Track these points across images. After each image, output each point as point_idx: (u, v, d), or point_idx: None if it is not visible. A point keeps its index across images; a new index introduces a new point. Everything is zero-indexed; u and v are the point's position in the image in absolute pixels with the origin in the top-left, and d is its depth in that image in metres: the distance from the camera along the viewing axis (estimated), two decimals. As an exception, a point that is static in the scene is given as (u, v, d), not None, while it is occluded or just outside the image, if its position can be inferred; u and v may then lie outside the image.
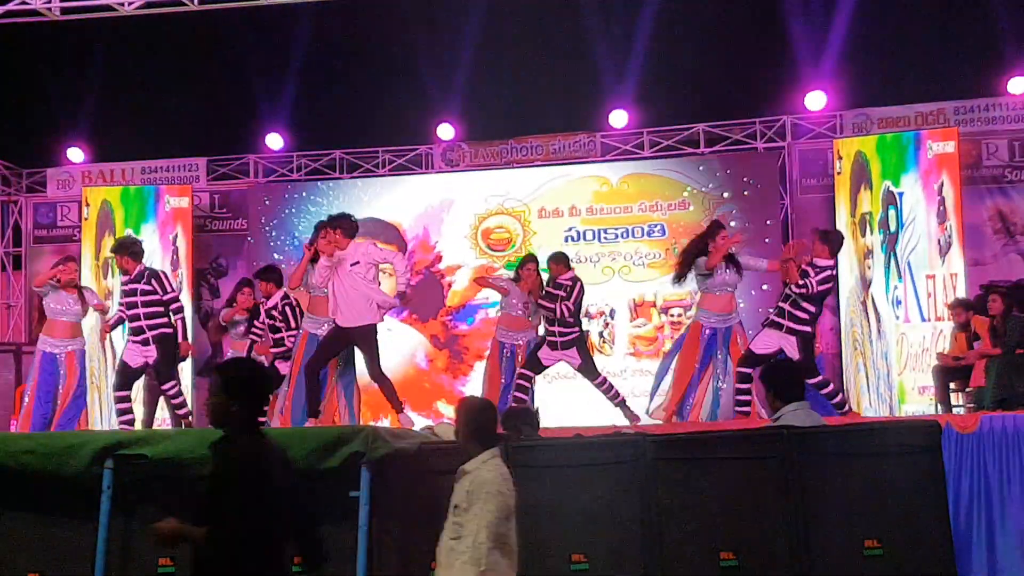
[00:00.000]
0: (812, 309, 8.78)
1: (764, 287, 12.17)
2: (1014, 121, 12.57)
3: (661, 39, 13.07)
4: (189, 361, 11.47)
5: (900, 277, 11.78)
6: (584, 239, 13.39)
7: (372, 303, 8.65)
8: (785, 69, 13.11)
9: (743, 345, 9.15)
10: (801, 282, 8.66)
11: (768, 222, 12.89)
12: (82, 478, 5.63)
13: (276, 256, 13.40)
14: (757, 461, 5.62)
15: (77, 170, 14.68)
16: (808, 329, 8.82)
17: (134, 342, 9.17)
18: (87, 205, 13.82)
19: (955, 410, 9.66)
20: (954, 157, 11.77)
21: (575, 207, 13.49)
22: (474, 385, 12.09)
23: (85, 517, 5.62)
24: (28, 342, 13.02)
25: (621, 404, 9.53)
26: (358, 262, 8.62)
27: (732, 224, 12.09)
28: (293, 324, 9.55)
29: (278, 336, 9.69)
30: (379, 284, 8.99)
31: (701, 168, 13.36)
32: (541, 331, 9.84)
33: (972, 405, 9.61)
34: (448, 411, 12.04)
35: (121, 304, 9.38)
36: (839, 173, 12.43)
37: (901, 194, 11.93)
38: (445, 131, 14.03)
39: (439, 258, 13.75)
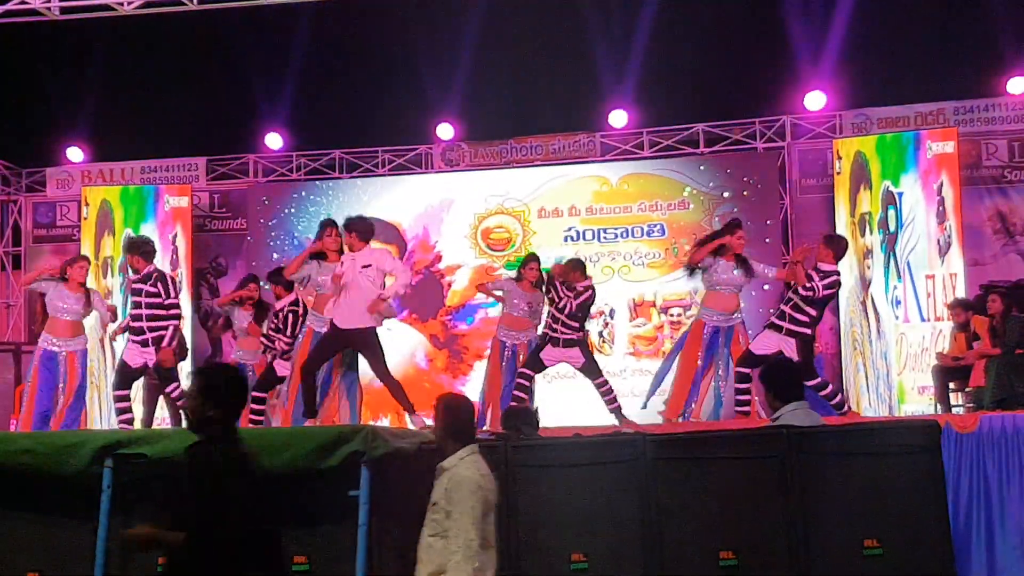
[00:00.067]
0: (813, 313, 8.77)
1: (765, 287, 12.17)
2: (1013, 121, 12.58)
3: (660, 39, 13.07)
4: (189, 361, 11.47)
5: (900, 277, 11.79)
6: (584, 239, 13.40)
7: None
8: (785, 69, 13.12)
9: (745, 345, 9.13)
10: (808, 284, 8.65)
11: (768, 222, 12.89)
12: (81, 477, 5.62)
13: (275, 256, 13.39)
14: (757, 461, 5.62)
15: (76, 170, 14.69)
16: (808, 332, 8.81)
17: (134, 342, 9.15)
18: (86, 205, 13.83)
19: (954, 410, 9.66)
20: (953, 157, 11.78)
21: (575, 207, 13.50)
22: (474, 385, 12.08)
23: (84, 516, 5.60)
24: (27, 341, 13.02)
25: (616, 411, 9.48)
26: (370, 265, 8.49)
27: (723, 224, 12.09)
28: (289, 332, 9.50)
29: (277, 339, 9.67)
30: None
31: (701, 168, 13.36)
32: (541, 331, 9.84)
33: (971, 405, 9.61)
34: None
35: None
36: (839, 173, 12.44)
37: (901, 194, 11.94)
38: (445, 131, 14.04)
39: (439, 258, 13.76)
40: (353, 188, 14.09)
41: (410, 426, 8.65)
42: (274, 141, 14.41)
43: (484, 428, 9.08)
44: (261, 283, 10.60)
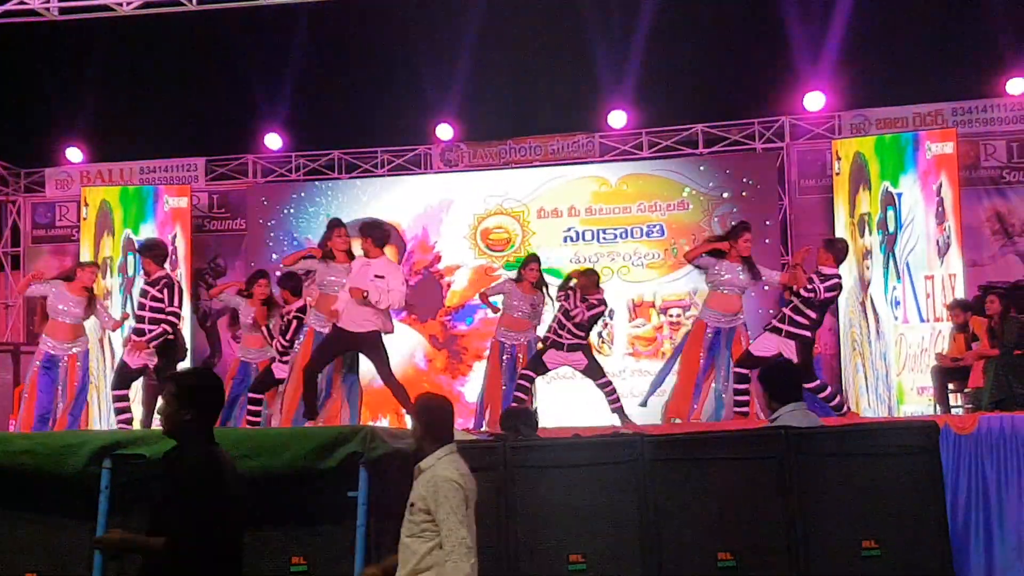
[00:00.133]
0: (813, 316, 8.78)
1: (765, 288, 12.15)
2: (1012, 122, 12.57)
3: (660, 39, 13.06)
4: (189, 361, 11.46)
5: (899, 278, 11.79)
6: (583, 239, 13.40)
7: (378, 315, 8.58)
8: (784, 70, 13.11)
9: (746, 346, 9.15)
10: (809, 287, 8.67)
11: (767, 223, 12.88)
12: (80, 478, 5.62)
13: (274, 256, 13.39)
14: (755, 462, 5.62)
15: (76, 170, 14.68)
16: (808, 334, 8.82)
17: (134, 342, 9.18)
18: (86, 205, 13.83)
19: (953, 411, 9.67)
20: (952, 158, 11.78)
21: (574, 207, 13.50)
22: (473, 385, 12.09)
23: (83, 517, 5.61)
24: (26, 342, 13.01)
25: (619, 411, 9.50)
26: (383, 278, 8.50)
27: (731, 224, 12.08)
28: (288, 338, 9.50)
29: (277, 339, 9.67)
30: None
31: (700, 169, 13.36)
32: (540, 332, 9.83)
33: (970, 406, 9.62)
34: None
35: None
36: (838, 174, 12.44)
37: (900, 195, 11.93)
38: (444, 131, 14.03)
39: (438, 258, 13.76)
40: (352, 188, 14.09)
41: (409, 427, 8.65)
42: (273, 141, 14.40)
43: (482, 428, 9.10)
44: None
